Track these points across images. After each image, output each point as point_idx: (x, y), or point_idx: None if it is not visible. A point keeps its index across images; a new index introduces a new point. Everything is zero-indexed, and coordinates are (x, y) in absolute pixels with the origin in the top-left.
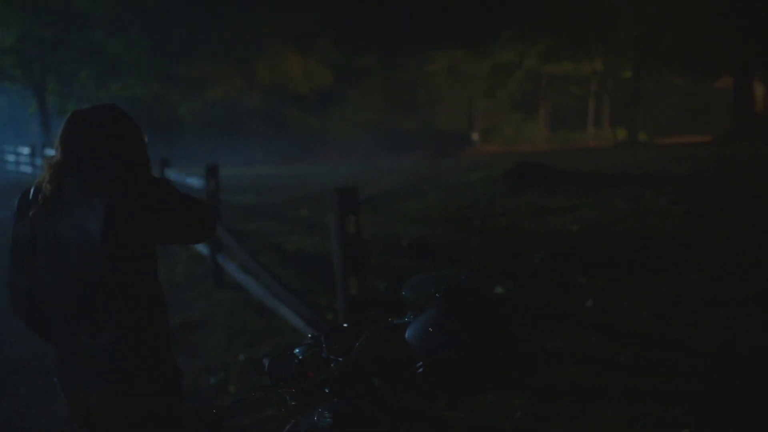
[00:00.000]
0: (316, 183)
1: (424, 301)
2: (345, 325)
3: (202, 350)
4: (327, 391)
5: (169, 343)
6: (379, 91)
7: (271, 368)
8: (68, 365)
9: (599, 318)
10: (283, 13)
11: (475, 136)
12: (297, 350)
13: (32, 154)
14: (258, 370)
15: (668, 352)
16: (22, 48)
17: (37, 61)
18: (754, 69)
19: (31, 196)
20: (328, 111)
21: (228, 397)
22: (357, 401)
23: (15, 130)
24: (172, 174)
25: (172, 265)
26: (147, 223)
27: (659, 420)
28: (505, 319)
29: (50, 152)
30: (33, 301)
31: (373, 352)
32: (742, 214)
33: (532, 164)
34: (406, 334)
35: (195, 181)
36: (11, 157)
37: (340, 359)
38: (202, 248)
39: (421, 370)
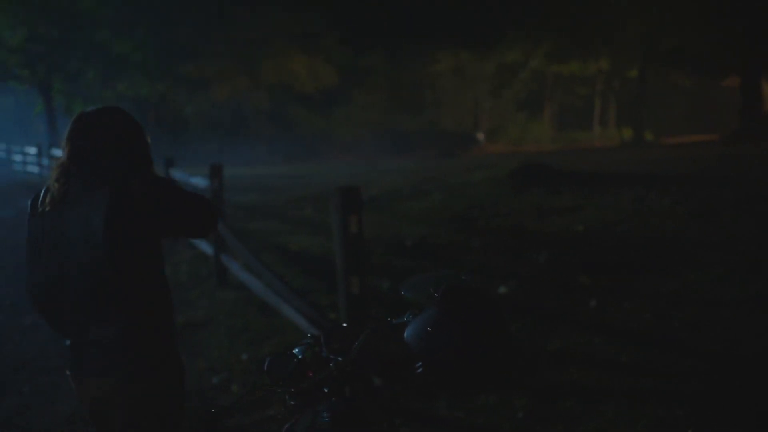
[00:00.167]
0: (320, 183)
1: (423, 301)
2: (344, 324)
3: (205, 349)
4: (326, 390)
5: (174, 339)
6: (384, 91)
7: (270, 368)
8: (77, 357)
9: (601, 318)
10: (289, 13)
11: (480, 136)
12: (296, 350)
13: (39, 154)
14: (260, 370)
15: (670, 353)
16: (28, 48)
17: (43, 61)
18: (760, 68)
19: (42, 195)
20: (333, 111)
21: (230, 396)
22: (355, 401)
23: (21, 130)
24: (177, 174)
25: (176, 264)
26: (149, 219)
27: (660, 421)
28: (504, 319)
29: (56, 152)
30: (48, 295)
31: (372, 352)
32: (746, 215)
33: (537, 164)
34: (405, 334)
35: (199, 181)
36: (18, 157)
37: (340, 359)
38: (205, 247)
39: (420, 370)
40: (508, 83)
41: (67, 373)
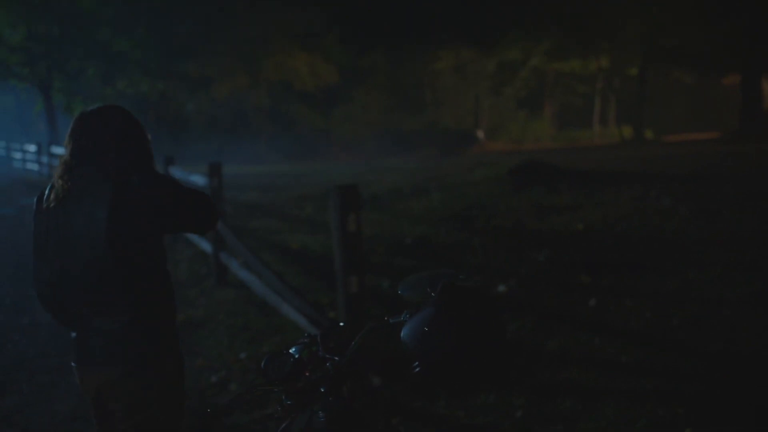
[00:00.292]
0: (321, 181)
1: (420, 300)
2: (342, 324)
3: (204, 348)
4: (322, 390)
5: (175, 333)
6: (384, 90)
7: (266, 367)
8: (82, 347)
9: (601, 317)
10: (289, 12)
11: (480, 135)
12: (293, 349)
13: (39, 152)
14: (259, 369)
15: (670, 353)
16: (28, 46)
17: (44, 59)
18: (761, 66)
19: (47, 192)
20: (334, 109)
21: (229, 395)
22: (351, 400)
23: (22, 128)
24: (176, 172)
25: (175, 262)
26: (151, 215)
27: (660, 420)
28: (500, 319)
29: (56, 150)
30: (54, 289)
31: (368, 352)
32: (746, 213)
33: (537, 163)
34: (402, 333)
35: (198, 179)
36: (18, 155)
37: (336, 358)
38: (205, 246)
39: (417, 369)
40: (509, 81)
41: (72, 364)
